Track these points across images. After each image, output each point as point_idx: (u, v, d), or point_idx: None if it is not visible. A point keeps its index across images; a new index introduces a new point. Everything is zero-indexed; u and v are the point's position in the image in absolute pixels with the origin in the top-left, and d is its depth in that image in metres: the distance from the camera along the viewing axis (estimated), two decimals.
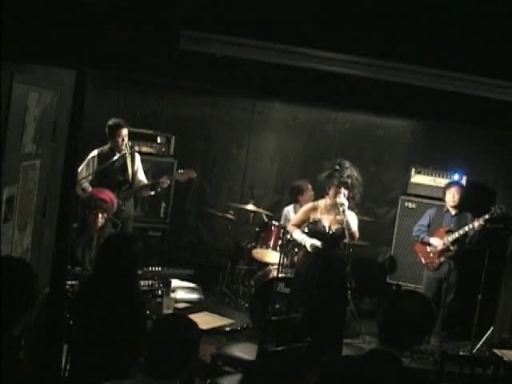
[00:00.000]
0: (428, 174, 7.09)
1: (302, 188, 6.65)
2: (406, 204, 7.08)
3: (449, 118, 4.03)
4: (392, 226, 7.17)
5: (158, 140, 7.00)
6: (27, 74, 3.71)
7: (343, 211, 5.02)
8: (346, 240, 5.26)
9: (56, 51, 3.51)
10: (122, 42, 3.54)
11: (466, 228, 6.10)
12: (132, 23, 3.52)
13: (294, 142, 7.69)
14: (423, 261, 6.36)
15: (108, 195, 5.26)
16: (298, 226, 5.37)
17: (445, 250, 6.21)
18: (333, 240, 5.19)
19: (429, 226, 6.42)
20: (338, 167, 5.10)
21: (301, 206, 6.62)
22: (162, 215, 6.97)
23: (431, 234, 6.36)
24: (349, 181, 5.06)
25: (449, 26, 3.60)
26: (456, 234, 6.14)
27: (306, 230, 5.37)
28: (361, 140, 7.56)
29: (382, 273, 7.18)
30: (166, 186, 6.14)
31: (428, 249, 6.30)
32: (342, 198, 5.04)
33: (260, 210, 6.83)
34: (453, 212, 6.34)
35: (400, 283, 6.89)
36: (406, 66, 3.62)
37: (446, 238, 6.21)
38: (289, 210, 6.79)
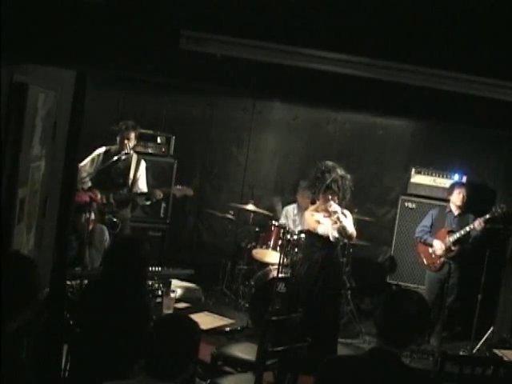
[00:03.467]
0: (428, 174, 7.09)
1: (297, 188, 6.73)
2: (406, 204, 7.08)
3: (449, 118, 4.03)
4: (392, 226, 7.17)
5: (158, 140, 7.00)
6: (27, 74, 3.71)
7: (338, 218, 5.03)
8: (345, 241, 5.29)
9: (56, 51, 3.51)
10: (122, 41, 3.54)
11: (467, 228, 6.10)
12: (132, 23, 3.52)
13: (294, 142, 7.69)
14: (425, 262, 6.36)
15: (84, 197, 5.26)
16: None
17: (446, 251, 6.21)
18: (333, 243, 5.20)
19: (431, 226, 6.42)
20: (319, 175, 5.10)
21: (299, 206, 6.67)
22: (162, 215, 6.97)
23: (433, 235, 6.36)
24: (333, 185, 5.04)
25: (448, 25, 3.60)
26: (457, 235, 6.15)
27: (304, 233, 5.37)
28: (361, 140, 7.56)
29: (381, 273, 7.18)
30: (159, 197, 6.14)
31: (430, 250, 6.31)
32: (334, 206, 5.04)
33: (260, 210, 6.83)
34: (456, 212, 6.34)
35: (400, 283, 6.89)
36: (405, 66, 3.62)
37: (447, 239, 6.21)
38: (288, 209, 6.82)
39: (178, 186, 6.36)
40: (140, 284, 3.52)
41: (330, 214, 5.09)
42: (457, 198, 6.31)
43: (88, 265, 4.96)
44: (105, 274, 3.53)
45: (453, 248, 6.19)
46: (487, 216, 6.02)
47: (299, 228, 6.45)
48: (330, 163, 5.16)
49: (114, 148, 6.04)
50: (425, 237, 6.38)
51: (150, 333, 2.44)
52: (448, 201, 6.44)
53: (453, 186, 6.46)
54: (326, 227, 5.11)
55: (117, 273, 3.41)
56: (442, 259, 6.21)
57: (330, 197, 5.04)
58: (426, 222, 6.48)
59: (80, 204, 5.01)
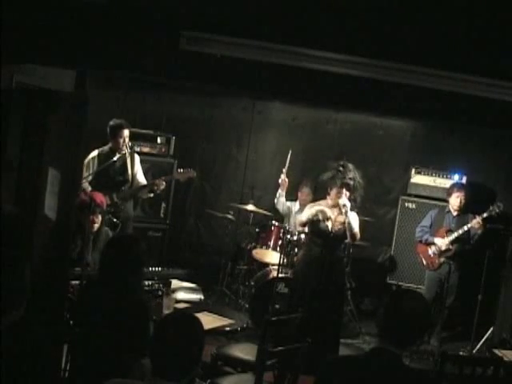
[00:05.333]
0: (428, 174, 7.09)
1: (299, 185, 6.74)
2: (406, 204, 7.07)
3: (449, 118, 4.04)
4: (392, 226, 7.16)
5: (158, 140, 7.00)
6: (27, 74, 3.72)
7: (346, 212, 5.02)
8: (347, 240, 5.27)
9: (56, 51, 3.52)
10: (122, 42, 3.55)
11: (465, 227, 6.08)
12: (132, 23, 3.53)
13: (294, 142, 7.68)
14: (424, 262, 6.35)
15: (100, 198, 5.28)
16: (305, 224, 5.33)
17: (445, 250, 6.20)
18: (334, 240, 5.19)
19: (431, 226, 6.40)
20: (341, 168, 5.11)
21: (300, 204, 6.66)
22: (162, 215, 6.96)
23: (432, 234, 6.34)
24: (351, 182, 5.06)
25: (449, 25, 3.60)
26: (455, 234, 6.13)
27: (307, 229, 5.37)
28: (361, 140, 7.55)
29: (382, 273, 7.18)
30: (162, 187, 6.09)
31: (429, 250, 6.29)
32: (344, 199, 5.04)
33: (260, 210, 6.83)
34: (455, 213, 6.32)
35: (400, 283, 6.88)
36: (406, 66, 3.63)
37: (445, 238, 6.20)
38: (291, 204, 6.81)
39: (180, 170, 6.34)
40: (136, 283, 3.50)
41: (338, 207, 5.08)
42: (454, 201, 6.29)
43: (91, 266, 4.94)
44: (100, 273, 3.53)
45: (451, 247, 6.17)
46: (485, 215, 6.00)
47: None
48: (351, 165, 5.19)
49: (106, 149, 6.02)
50: (425, 237, 6.36)
51: (155, 333, 2.43)
52: (448, 201, 6.43)
53: (452, 188, 6.41)
54: (313, 208, 5.12)
55: (112, 272, 3.40)
56: (442, 259, 6.21)
57: (344, 191, 5.05)
58: (426, 222, 6.47)
59: (87, 204, 5.00)
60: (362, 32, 3.57)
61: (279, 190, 6.78)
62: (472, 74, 3.63)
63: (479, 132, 6.60)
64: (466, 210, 6.31)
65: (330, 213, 5.13)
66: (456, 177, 6.96)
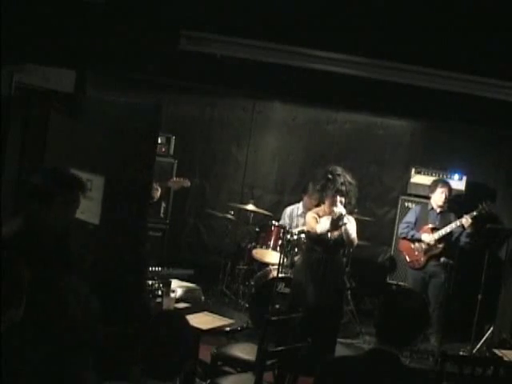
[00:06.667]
0: (428, 174, 7.07)
1: (306, 189, 6.70)
2: (406, 204, 7.06)
3: (449, 117, 4.04)
4: (392, 226, 7.15)
5: (158, 140, 6.99)
6: (27, 74, 3.72)
7: (342, 222, 4.99)
8: (346, 246, 5.26)
9: (56, 51, 3.52)
10: (122, 42, 3.55)
11: (453, 225, 5.98)
12: (132, 23, 3.53)
13: (294, 142, 7.69)
14: (407, 259, 6.24)
15: None
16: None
17: (430, 248, 6.11)
18: (334, 246, 5.17)
19: (415, 223, 6.32)
20: (330, 176, 5.04)
21: (304, 206, 6.62)
22: (162, 215, 6.97)
23: (417, 231, 6.23)
24: (343, 188, 5.00)
25: (449, 25, 3.61)
26: (442, 231, 6.03)
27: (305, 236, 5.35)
28: (361, 140, 7.56)
29: (381, 273, 7.18)
30: (158, 193, 6.07)
31: (412, 246, 6.18)
32: (340, 207, 4.99)
33: (260, 210, 6.83)
34: (438, 209, 6.24)
35: (400, 283, 6.87)
36: (406, 66, 3.63)
37: (431, 235, 6.10)
38: (293, 208, 6.76)
39: (174, 179, 6.35)
40: (140, 284, 3.52)
41: (334, 215, 5.06)
42: (439, 198, 6.17)
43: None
44: (104, 273, 3.52)
45: (438, 245, 6.08)
46: (474, 213, 5.93)
47: (299, 228, 6.43)
48: (339, 168, 5.12)
49: None
50: (411, 233, 6.24)
51: (142, 334, 2.44)
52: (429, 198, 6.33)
53: (435, 184, 6.28)
54: (325, 224, 5.06)
55: (115, 272, 3.40)
56: (428, 257, 6.08)
57: (338, 199, 4.99)
58: (410, 218, 6.34)
59: None
60: (362, 32, 3.57)
61: (300, 215, 6.60)
62: (472, 74, 3.63)
63: (479, 132, 6.60)
64: (448, 208, 6.24)
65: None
66: (456, 177, 6.94)
